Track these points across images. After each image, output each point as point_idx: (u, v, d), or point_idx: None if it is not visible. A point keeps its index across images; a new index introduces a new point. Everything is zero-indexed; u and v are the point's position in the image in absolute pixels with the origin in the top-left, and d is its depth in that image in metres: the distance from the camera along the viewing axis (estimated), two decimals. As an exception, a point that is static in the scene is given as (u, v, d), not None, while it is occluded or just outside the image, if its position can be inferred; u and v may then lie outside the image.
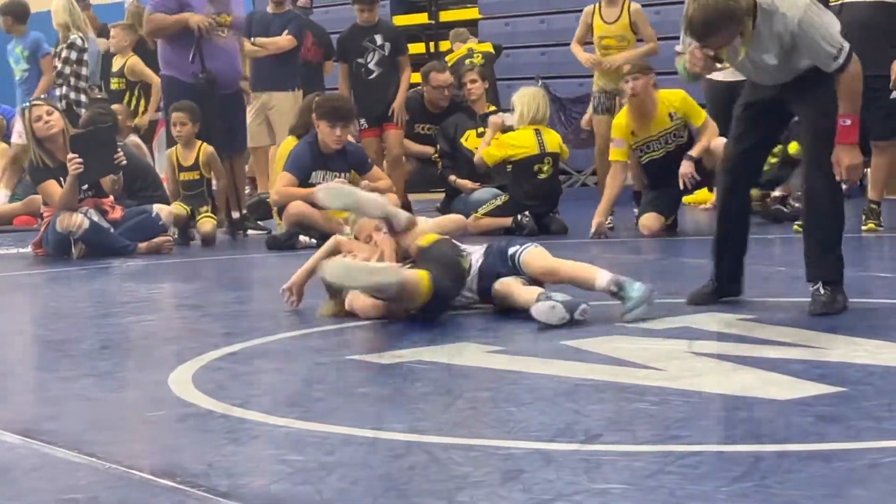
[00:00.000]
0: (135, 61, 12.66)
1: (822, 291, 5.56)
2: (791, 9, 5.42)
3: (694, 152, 9.25)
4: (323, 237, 8.88)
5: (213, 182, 10.32)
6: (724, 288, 5.92)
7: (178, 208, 9.88)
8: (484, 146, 10.02)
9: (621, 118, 9.49)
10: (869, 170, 9.35)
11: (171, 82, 10.32)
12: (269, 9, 12.13)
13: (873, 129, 8.95)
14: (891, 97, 8.51)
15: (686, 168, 9.19)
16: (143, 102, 12.73)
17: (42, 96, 9.94)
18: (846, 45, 5.46)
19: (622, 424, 3.78)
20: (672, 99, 9.39)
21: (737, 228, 5.88)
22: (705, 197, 11.07)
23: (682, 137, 9.42)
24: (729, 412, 3.97)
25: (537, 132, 9.99)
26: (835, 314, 5.50)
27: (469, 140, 10.63)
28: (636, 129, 9.36)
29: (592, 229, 9.18)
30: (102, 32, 13.80)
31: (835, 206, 5.63)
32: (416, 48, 14.47)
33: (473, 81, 10.80)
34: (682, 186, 9.27)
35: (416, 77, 11.48)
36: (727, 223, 5.90)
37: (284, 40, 11.56)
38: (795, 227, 8.89)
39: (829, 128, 5.53)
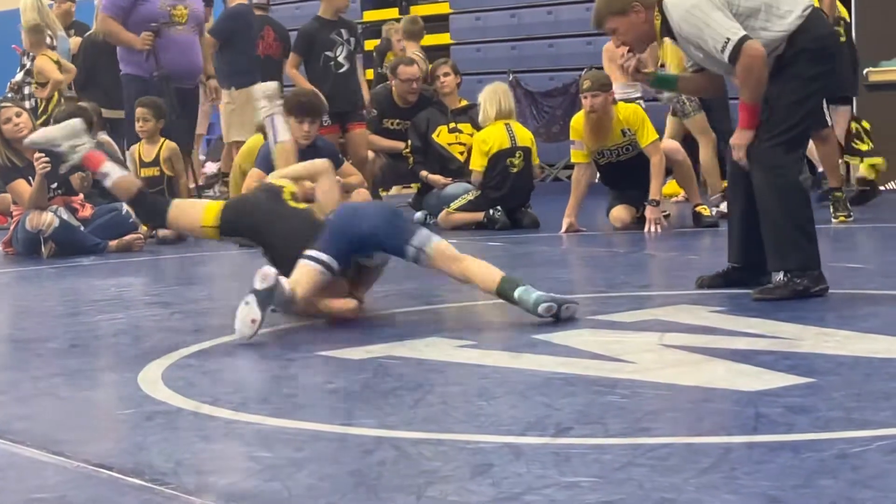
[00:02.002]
0: (40, 62, 12.56)
1: (778, 279, 5.68)
2: (676, 7, 5.66)
3: (654, 195, 9.13)
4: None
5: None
6: (746, 272, 5.97)
7: None
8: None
9: (577, 122, 9.41)
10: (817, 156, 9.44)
11: (130, 80, 10.25)
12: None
13: None
14: None
15: (652, 214, 9.09)
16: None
17: (9, 95, 9.88)
18: (735, 37, 5.55)
19: (593, 417, 3.77)
20: (626, 114, 9.30)
21: (747, 213, 5.88)
22: (675, 190, 11.08)
23: (633, 151, 9.33)
24: (698, 404, 3.97)
25: (507, 126, 9.99)
26: (779, 300, 5.60)
27: (441, 136, 10.61)
28: (590, 142, 9.29)
29: (563, 229, 9.18)
30: (77, 28, 13.72)
31: (780, 199, 5.67)
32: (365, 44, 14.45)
33: (447, 75, 10.79)
34: (648, 230, 9.13)
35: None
36: (735, 204, 6.00)
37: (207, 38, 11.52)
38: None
39: (766, 121, 5.67)
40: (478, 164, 9.96)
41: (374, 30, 15.35)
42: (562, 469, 3.23)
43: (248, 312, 5.20)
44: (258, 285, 5.24)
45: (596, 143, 9.27)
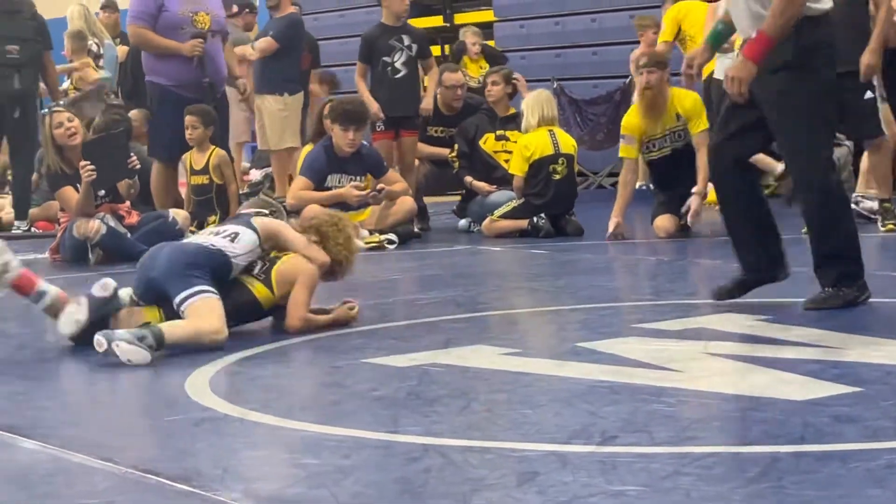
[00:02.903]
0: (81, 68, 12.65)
1: (825, 290, 5.65)
2: None
3: (700, 186, 9.12)
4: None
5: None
6: (758, 276, 5.87)
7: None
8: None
9: (631, 115, 9.44)
10: (863, 168, 9.34)
11: (155, 88, 10.16)
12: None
13: (857, 131, 8.96)
14: (865, 97, 8.41)
15: (696, 204, 9.08)
16: None
17: (62, 102, 9.90)
18: None
19: (638, 426, 3.77)
20: (684, 99, 9.33)
21: (745, 213, 5.80)
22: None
23: (684, 139, 9.32)
24: (745, 413, 3.96)
25: (551, 133, 9.99)
26: (829, 309, 5.56)
27: (487, 143, 10.61)
28: (644, 125, 9.28)
29: (609, 230, 9.16)
30: (124, 38, 13.80)
31: (830, 217, 5.63)
32: (432, 51, 14.48)
33: (495, 84, 10.77)
34: (689, 222, 9.15)
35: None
36: (728, 209, 5.88)
37: (263, 42, 11.53)
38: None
39: (800, 147, 5.59)
40: (518, 168, 9.95)
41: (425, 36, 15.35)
42: (608, 477, 3.23)
43: (75, 312, 5.35)
44: (96, 293, 5.41)
45: (649, 123, 9.21)
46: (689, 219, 9.13)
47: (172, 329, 5.29)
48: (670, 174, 9.40)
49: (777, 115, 5.58)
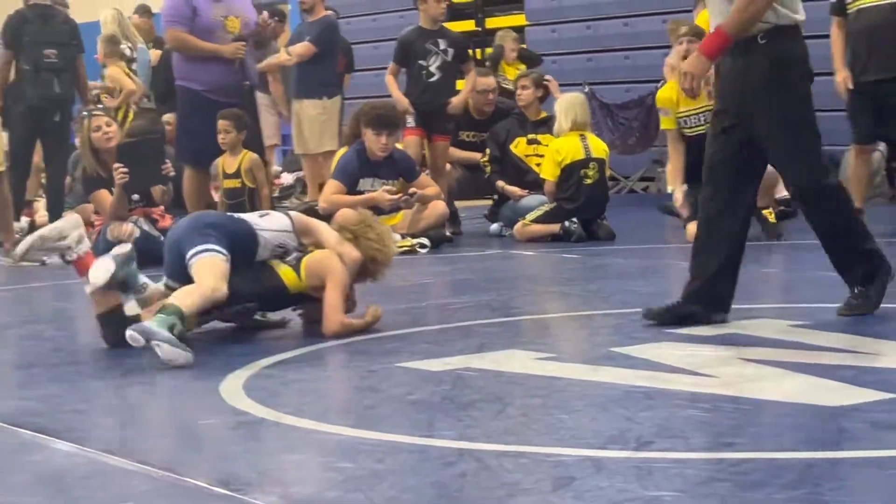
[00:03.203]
0: (113, 72, 12.68)
1: (854, 291, 5.60)
2: None
3: None
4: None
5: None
6: (694, 310, 5.58)
7: None
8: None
9: (666, 90, 9.43)
10: None
11: (186, 93, 10.14)
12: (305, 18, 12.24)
13: None
14: None
15: None
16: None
17: (100, 106, 9.92)
18: None
19: (674, 431, 3.76)
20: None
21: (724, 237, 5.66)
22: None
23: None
24: (780, 419, 3.94)
25: (582, 137, 9.98)
26: (864, 314, 5.51)
27: (518, 147, 10.60)
28: (680, 98, 9.23)
29: (678, 203, 9.11)
30: (158, 43, 13.85)
31: (840, 218, 5.56)
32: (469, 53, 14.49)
33: (525, 87, 10.76)
34: None
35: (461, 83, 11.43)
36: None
37: (300, 47, 11.54)
38: None
39: (792, 156, 5.51)
40: (550, 173, 9.95)
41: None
42: (644, 483, 3.23)
43: (105, 264, 5.44)
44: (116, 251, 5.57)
45: (686, 100, 9.16)
46: None
47: (188, 301, 5.34)
48: (697, 162, 9.35)
49: (765, 129, 5.48)
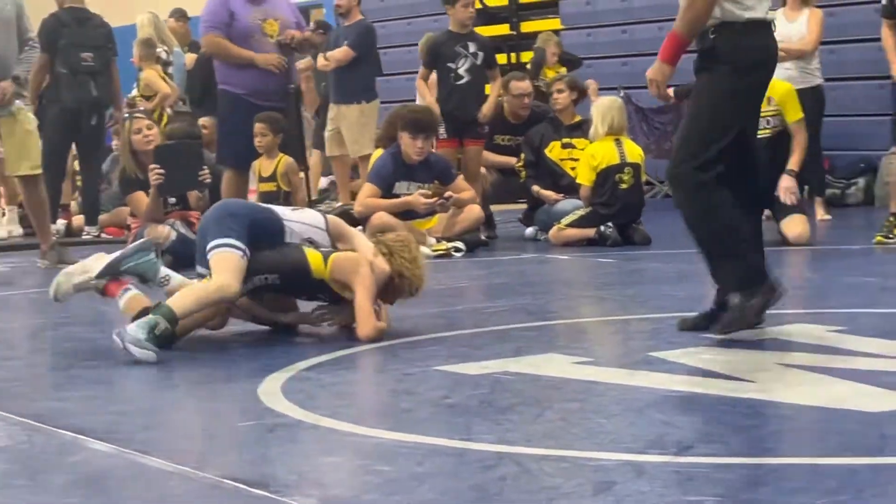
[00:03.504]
0: (149, 75, 12.72)
1: (733, 304, 5.36)
2: None
3: (793, 164, 9.11)
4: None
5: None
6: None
7: None
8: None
9: None
10: None
11: (227, 96, 10.14)
12: (341, 22, 12.27)
13: None
14: None
15: (787, 182, 9.05)
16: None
17: (142, 109, 9.96)
18: None
19: (714, 436, 3.75)
20: (776, 85, 9.23)
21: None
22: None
23: (777, 126, 9.25)
24: (821, 424, 3.92)
25: (617, 142, 9.97)
26: (738, 330, 5.30)
27: (553, 151, 10.59)
28: None
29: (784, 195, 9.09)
30: (193, 46, 13.89)
31: (697, 217, 5.42)
32: (497, 59, 14.48)
33: (560, 91, 10.74)
34: (787, 201, 9.10)
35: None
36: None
37: (340, 52, 11.56)
38: (877, 238, 8.78)
39: (687, 135, 5.46)
40: (586, 178, 9.94)
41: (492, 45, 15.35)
42: (685, 488, 3.21)
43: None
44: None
45: None
46: (782, 196, 9.05)
47: (181, 302, 5.51)
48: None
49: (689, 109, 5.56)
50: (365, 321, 5.66)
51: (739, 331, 5.29)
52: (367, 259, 5.79)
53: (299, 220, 5.92)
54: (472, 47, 10.72)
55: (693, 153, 5.39)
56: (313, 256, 5.79)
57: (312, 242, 5.88)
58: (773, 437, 3.73)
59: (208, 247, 5.68)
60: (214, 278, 5.60)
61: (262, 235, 5.74)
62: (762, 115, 9.07)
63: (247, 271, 5.65)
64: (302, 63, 11.86)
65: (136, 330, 5.31)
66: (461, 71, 10.68)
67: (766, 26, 5.45)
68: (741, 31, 5.38)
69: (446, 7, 10.89)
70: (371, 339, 5.61)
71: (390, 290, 5.87)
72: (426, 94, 10.70)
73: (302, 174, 10.65)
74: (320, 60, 11.93)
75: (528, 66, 13.35)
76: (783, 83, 9.33)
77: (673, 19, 5.51)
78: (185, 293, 5.60)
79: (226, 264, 5.61)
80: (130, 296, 5.77)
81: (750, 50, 5.41)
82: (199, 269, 5.83)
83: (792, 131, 9.19)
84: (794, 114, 9.23)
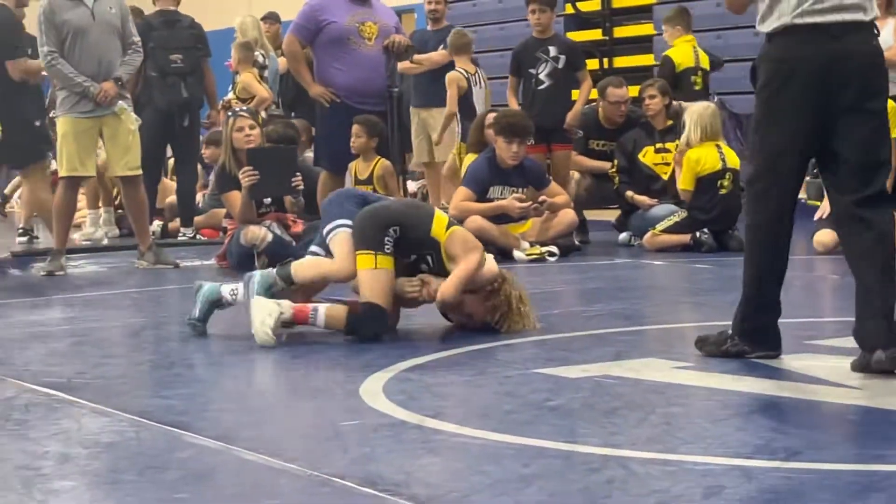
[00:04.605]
0: (246, 78, 12.79)
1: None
2: None
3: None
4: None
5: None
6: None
7: None
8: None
9: None
10: None
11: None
12: (429, 26, 12.25)
13: None
14: None
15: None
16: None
17: (247, 108, 9.98)
18: None
19: (823, 442, 3.72)
20: None
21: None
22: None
23: None
24: (932, 432, 3.88)
25: (718, 147, 9.91)
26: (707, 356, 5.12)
27: (647, 156, 10.55)
28: None
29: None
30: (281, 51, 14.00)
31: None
32: (590, 64, 14.42)
33: (652, 97, 10.69)
34: None
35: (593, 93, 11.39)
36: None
37: (438, 55, 11.57)
38: None
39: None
40: (688, 183, 9.86)
41: (584, 50, 15.32)
42: (795, 493, 3.19)
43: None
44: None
45: None
46: None
47: (302, 271, 5.99)
48: None
49: None
50: (451, 284, 5.82)
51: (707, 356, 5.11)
52: (482, 253, 5.94)
53: None
54: (552, 51, 10.71)
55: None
56: (439, 217, 5.99)
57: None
58: (883, 444, 3.68)
59: (328, 227, 5.99)
60: (337, 259, 5.93)
61: None
62: None
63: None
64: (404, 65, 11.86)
65: (257, 283, 5.90)
66: (542, 76, 10.68)
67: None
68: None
69: (529, 14, 10.91)
70: (443, 300, 5.85)
71: (480, 304, 5.98)
72: (514, 105, 10.71)
73: (399, 178, 10.66)
74: (406, 64, 11.83)
75: (655, 72, 13.19)
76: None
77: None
78: (309, 264, 6.03)
79: (346, 247, 5.89)
80: (324, 311, 5.87)
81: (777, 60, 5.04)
82: (315, 248, 6.13)
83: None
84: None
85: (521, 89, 10.83)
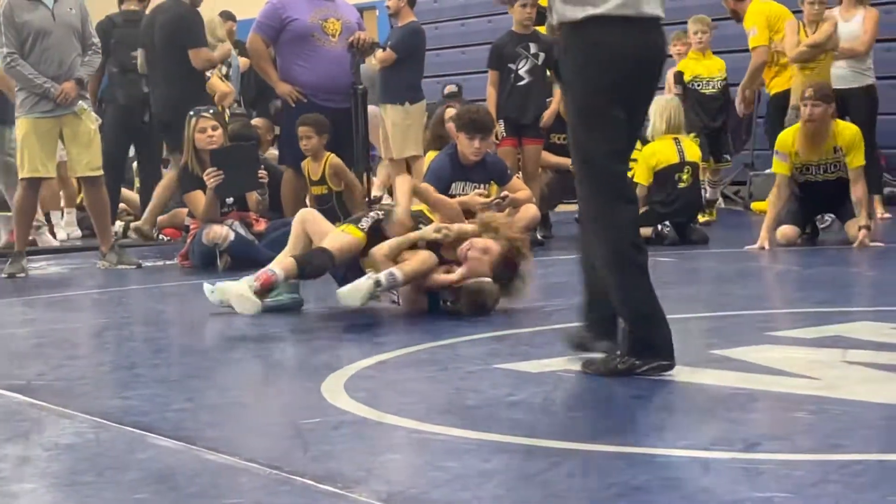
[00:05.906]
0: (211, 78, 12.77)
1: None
2: None
3: (864, 222, 8.87)
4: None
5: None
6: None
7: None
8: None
9: (787, 135, 9.26)
10: None
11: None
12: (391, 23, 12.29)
13: None
14: None
15: (866, 236, 8.79)
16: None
17: (211, 110, 9.94)
18: None
19: (780, 433, 3.75)
20: (844, 131, 9.14)
21: None
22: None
23: (840, 171, 9.14)
24: (889, 421, 3.90)
25: (676, 141, 9.94)
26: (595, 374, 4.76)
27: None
28: (800, 151, 9.11)
29: (758, 245, 8.93)
30: (239, 48, 13.94)
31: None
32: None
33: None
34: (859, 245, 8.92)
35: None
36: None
37: (381, 54, 11.54)
38: None
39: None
40: (643, 177, 9.89)
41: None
42: (753, 484, 3.21)
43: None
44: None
45: (806, 153, 9.07)
46: (856, 248, 8.85)
47: (333, 243, 6.46)
48: (817, 198, 9.25)
49: None
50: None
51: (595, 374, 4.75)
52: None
53: None
54: (533, 48, 10.69)
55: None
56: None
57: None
58: (840, 434, 3.70)
59: None
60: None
61: None
62: (822, 161, 9.07)
63: None
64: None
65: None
66: (522, 72, 10.65)
67: None
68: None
69: (507, 7, 10.88)
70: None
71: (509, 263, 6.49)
72: (491, 100, 10.67)
73: (365, 175, 10.59)
74: (370, 62, 11.91)
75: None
76: (850, 126, 9.22)
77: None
78: (333, 238, 6.52)
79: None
80: (280, 267, 6.40)
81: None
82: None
83: (852, 178, 9.01)
84: (859, 159, 9.05)
85: (499, 84, 10.77)
